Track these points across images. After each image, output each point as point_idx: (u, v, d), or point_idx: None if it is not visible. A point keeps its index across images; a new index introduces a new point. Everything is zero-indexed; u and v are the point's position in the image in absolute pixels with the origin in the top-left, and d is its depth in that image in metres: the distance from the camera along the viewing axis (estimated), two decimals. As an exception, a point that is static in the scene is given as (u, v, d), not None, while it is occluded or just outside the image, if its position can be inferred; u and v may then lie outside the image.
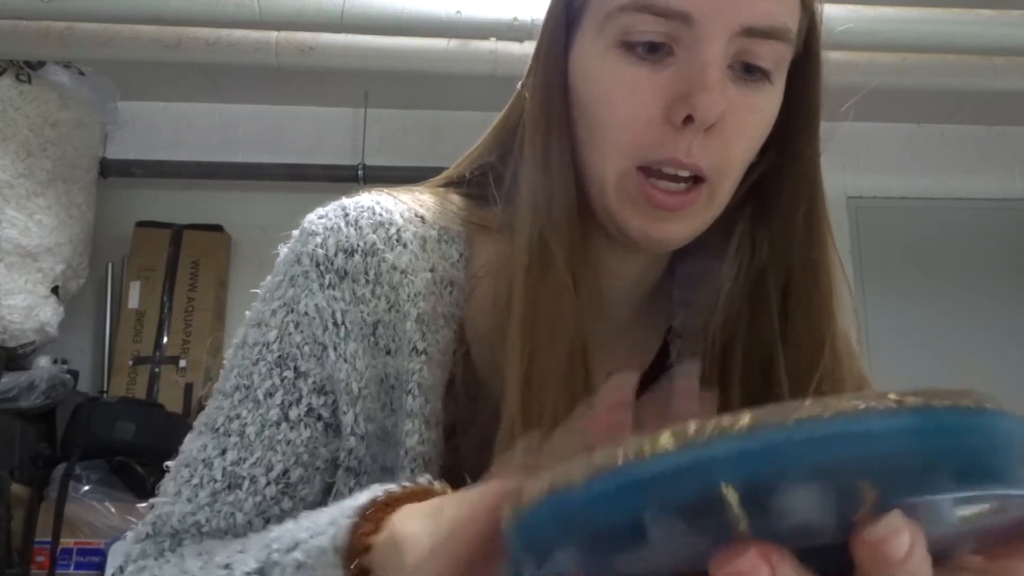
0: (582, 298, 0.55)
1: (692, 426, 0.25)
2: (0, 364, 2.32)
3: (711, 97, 0.51)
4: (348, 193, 0.62)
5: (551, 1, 0.59)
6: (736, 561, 0.25)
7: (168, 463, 0.60)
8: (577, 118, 0.57)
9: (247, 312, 0.61)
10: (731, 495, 0.24)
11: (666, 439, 0.25)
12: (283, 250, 0.61)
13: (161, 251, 2.84)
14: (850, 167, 3.04)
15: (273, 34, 2.43)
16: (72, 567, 2.13)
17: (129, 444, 2.26)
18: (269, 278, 0.61)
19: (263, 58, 2.46)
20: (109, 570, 2.07)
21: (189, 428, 0.60)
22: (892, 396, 0.24)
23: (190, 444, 0.59)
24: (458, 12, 2.31)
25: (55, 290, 2.59)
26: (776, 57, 0.54)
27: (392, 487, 0.43)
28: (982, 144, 3.23)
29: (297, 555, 0.43)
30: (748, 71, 0.53)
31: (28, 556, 2.14)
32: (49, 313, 2.54)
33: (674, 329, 0.65)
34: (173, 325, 2.76)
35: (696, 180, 0.54)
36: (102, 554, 2.12)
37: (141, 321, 2.77)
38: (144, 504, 2.13)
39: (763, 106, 0.55)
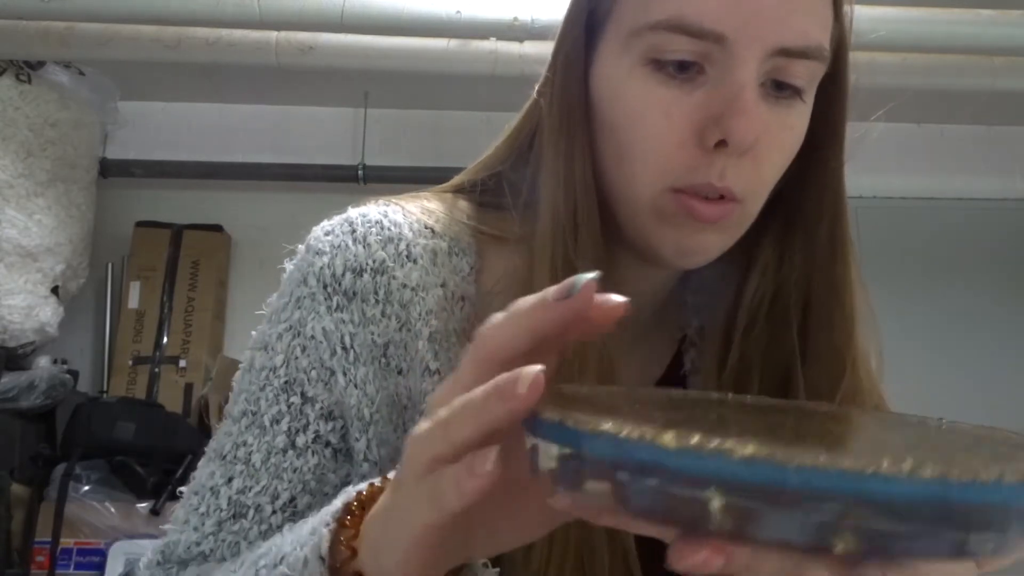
0: None
1: (697, 438, 0.25)
2: (0, 364, 2.32)
3: (747, 122, 0.48)
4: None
5: (568, 10, 0.57)
6: (693, 555, 0.25)
7: (182, 488, 0.59)
8: (600, 135, 0.55)
9: (252, 332, 0.60)
10: (715, 502, 0.25)
11: (669, 437, 0.26)
12: (288, 267, 0.59)
13: (161, 251, 2.83)
14: (850, 167, 3.03)
15: (273, 34, 2.43)
16: (72, 567, 2.12)
17: (129, 444, 2.25)
18: (274, 297, 0.59)
19: (263, 58, 2.45)
20: (109, 570, 2.07)
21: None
22: (907, 464, 0.23)
23: (201, 471, 0.58)
24: (458, 12, 2.31)
25: (55, 290, 2.59)
26: (809, 75, 0.52)
27: (362, 487, 0.42)
28: (982, 144, 3.22)
29: (283, 569, 0.43)
30: (779, 88, 0.51)
31: (28, 556, 2.14)
32: (49, 313, 2.53)
33: (688, 338, 0.64)
34: (173, 325, 2.75)
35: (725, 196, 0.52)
36: (102, 554, 2.12)
37: (141, 321, 2.76)
38: (144, 504, 2.14)
39: (795, 124, 0.53)
